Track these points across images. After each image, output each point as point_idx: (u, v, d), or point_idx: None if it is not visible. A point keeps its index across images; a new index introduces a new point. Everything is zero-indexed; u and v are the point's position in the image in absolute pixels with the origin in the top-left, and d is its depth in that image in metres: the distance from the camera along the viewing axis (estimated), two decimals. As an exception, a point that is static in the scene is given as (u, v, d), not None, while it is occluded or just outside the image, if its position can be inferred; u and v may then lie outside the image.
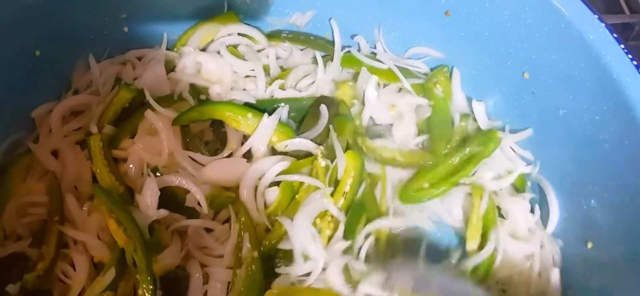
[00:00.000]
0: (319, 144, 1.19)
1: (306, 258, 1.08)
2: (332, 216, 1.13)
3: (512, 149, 1.27)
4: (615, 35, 1.05)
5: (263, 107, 1.25)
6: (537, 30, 1.14)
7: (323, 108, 1.24)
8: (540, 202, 1.24)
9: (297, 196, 1.15)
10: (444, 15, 1.27)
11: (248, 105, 1.25)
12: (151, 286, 1.01)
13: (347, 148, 1.21)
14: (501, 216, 1.22)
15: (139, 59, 1.36)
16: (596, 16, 1.06)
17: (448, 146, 1.27)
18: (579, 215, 1.14)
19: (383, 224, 1.18)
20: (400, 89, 1.36)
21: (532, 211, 1.23)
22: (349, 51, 1.38)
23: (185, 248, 1.12)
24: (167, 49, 1.37)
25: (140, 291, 1.02)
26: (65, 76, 1.30)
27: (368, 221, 1.18)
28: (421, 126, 1.32)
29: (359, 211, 1.17)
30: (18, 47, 1.16)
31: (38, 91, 1.25)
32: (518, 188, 1.26)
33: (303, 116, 1.28)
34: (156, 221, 1.12)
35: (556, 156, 1.19)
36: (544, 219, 1.22)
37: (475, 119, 1.32)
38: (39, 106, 1.25)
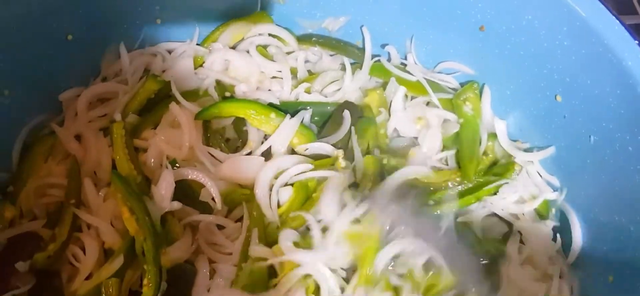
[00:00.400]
0: (339, 149, 1.18)
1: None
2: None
3: (539, 174, 1.23)
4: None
5: (286, 109, 1.24)
6: (574, 53, 1.09)
7: (346, 114, 1.22)
8: (564, 230, 1.19)
9: (314, 195, 1.13)
10: (478, 31, 1.23)
11: (271, 105, 1.24)
12: (156, 277, 1.01)
13: (366, 153, 1.19)
14: (521, 242, 1.18)
15: (170, 51, 1.36)
16: (636, 42, 1.02)
17: (478, 169, 1.24)
18: (603, 247, 1.10)
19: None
20: (428, 103, 1.33)
21: (554, 239, 1.18)
22: (378, 60, 1.35)
23: (196, 243, 1.12)
24: (197, 44, 1.37)
25: (144, 281, 1.02)
26: (95, 62, 1.31)
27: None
28: (446, 142, 1.28)
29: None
30: (51, 30, 1.18)
31: (67, 75, 1.26)
32: (541, 214, 1.22)
33: (325, 121, 1.27)
34: (169, 213, 1.12)
35: (584, 185, 1.15)
36: (566, 248, 1.17)
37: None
38: (67, 90, 1.27)
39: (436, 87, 1.31)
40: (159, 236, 1.06)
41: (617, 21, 1.03)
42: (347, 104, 1.27)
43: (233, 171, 1.16)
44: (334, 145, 1.19)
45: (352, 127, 1.20)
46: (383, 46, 1.40)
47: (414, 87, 1.32)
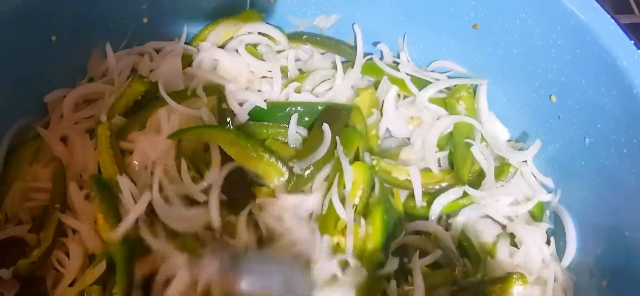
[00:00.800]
0: (323, 164, 1.13)
1: None
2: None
3: (533, 175, 1.21)
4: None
5: (275, 109, 1.22)
6: (569, 52, 1.07)
7: (326, 128, 1.16)
8: (558, 233, 1.17)
9: None
10: (471, 29, 1.21)
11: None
12: (125, 286, 0.99)
13: (355, 159, 1.16)
14: (514, 244, 1.16)
15: (157, 51, 1.34)
16: (632, 42, 0.99)
17: (471, 171, 1.22)
18: (598, 250, 1.08)
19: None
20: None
21: (547, 242, 1.17)
22: (371, 59, 1.33)
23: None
24: (186, 43, 1.35)
25: (114, 290, 1.00)
26: (81, 63, 1.28)
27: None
28: (440, 142, 1.26)
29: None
30: (35, 31, 1.15)
31: (53, 77, 1.23)
32: (535, 216, 1.20)
33: (312, 124, 1.23)
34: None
35: (578, 187, 1.13)
36: (560, 251, 1.15)
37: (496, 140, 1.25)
38: (52, 91, 1.24)
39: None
40: (134, 244, 1.04)
41: (613, 20, 1.01)
42: (329, 113, 1.21)
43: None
44: (316, 162, 1.12)
45: (338, 137, 1.15)
46: (375, 44, 1.37)
47: (406, 86, 1.29)
